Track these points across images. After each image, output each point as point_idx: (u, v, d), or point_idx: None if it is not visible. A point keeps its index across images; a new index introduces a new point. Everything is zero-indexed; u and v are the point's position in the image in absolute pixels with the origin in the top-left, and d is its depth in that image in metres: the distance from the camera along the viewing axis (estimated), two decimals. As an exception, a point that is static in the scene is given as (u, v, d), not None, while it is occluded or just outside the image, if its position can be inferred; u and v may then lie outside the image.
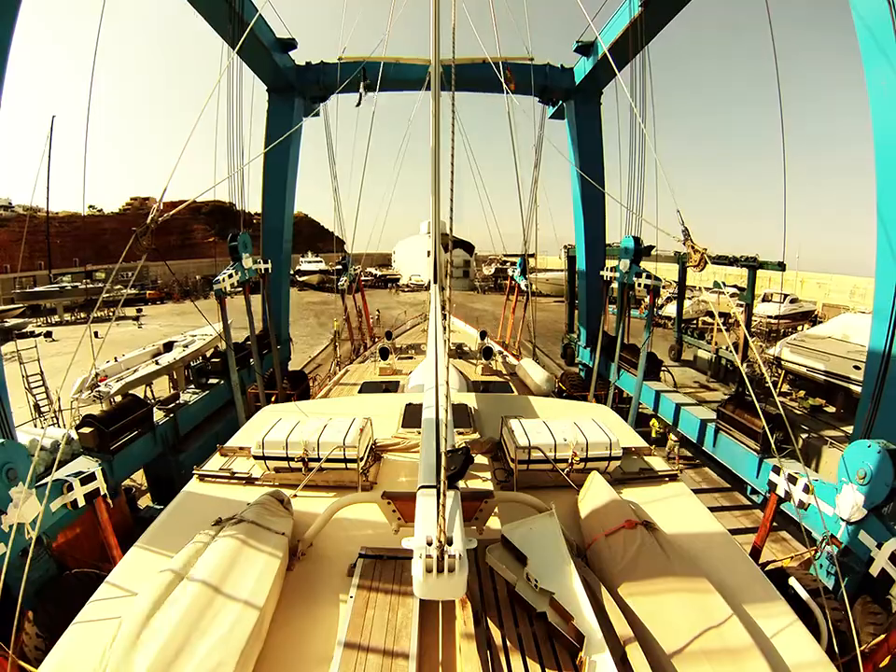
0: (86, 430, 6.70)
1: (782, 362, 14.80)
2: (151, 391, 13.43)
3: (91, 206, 53.46)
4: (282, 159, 13.64)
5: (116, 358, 13.07)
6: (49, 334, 26.32)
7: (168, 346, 14.71)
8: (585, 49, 12.57)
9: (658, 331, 17.65)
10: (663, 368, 12.46)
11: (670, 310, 25.64)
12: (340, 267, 16.11)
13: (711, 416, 8.29)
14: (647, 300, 10.94)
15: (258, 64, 11.95)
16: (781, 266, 17.54)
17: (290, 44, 12.73)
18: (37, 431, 7.57)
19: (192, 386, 10.85)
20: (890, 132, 5.21)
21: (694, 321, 27.65)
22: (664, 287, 27.21)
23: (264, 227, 14.28)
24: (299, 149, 14.42)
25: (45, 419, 11.31)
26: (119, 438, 7.19)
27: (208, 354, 16.10)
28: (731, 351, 16.08)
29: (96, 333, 10.27)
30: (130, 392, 10.71)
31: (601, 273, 11.34)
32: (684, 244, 3.67)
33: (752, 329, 15.75)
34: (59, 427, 10.98)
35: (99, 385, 11.22)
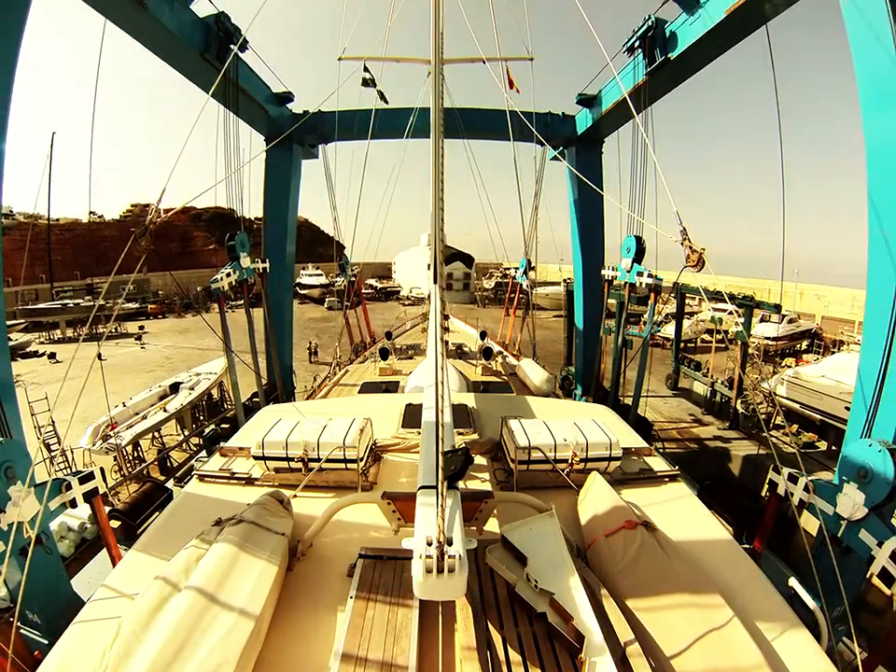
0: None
1: (776, 398, 14.94)
2: (160, 436, 13.49)
3: (91, 213, 53.61)
4: (282, 198, 13.67)
5: (124, 403, 13.30)
6: (52, 355, 25.72)
7: (174, 387, 14.88)
8: (587, 101, 12.70)
9: (656, 352, 17.62)
10: (653, 431, 12.46)
11: (669, 330, 25.54)
12: (339, 273, 16.06)
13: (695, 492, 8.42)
14: (645, 316, 10.90)
15: (254, 120, 11.97)
16: (777, 308, 17.99)
17: (287, 97, 12.69)
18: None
19: (204, 453, 10.95)
20: (883, 137, 5.20)
21: (693, 342, 27.59)
22: (664, 303, 27.03)
23: (266, 251, 13.90)
24: (299, 186, 14.41)
25: (59, 470, 11.23)
26: (142, 525, 7.25)
27: (215, 396, 16.50)
28: (726, 384, 16.28)
29: (99, 355, 10.10)
30: (150, 478, 10.80)
31: (602, 272, 11.32)
32: (682, 244, 3.68)
33: (749, 352, 15.90)
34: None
35: (110, 436, 11.32)
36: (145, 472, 12.09)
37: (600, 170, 14.36)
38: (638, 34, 9.56)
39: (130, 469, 11.70)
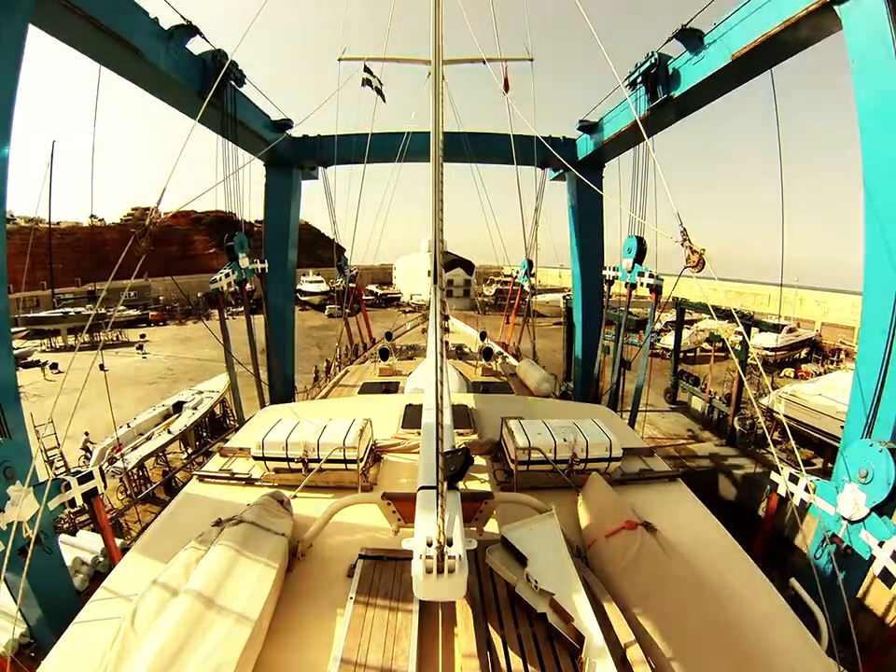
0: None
1: (774, 414, 15.01)
2: (164, 454, 13.44)
3: (92, 216, 53.72)
4: (283, 218, 13.64)
5: (128, 424, 13.34)
6: (54, 366, 25.46)
7: (177, 406, 14.89)
8: (588, 127, 12.67)
9: (655, 363, 17.50)
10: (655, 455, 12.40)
11: (669, 340, 25.30)
12: (338, 275, 16.00)
13: None
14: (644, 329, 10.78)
15: (253, 148, 11.80)
16: (776, 328, 17.74)
17: (286, 125, 12.51)
18: (74, 540, 7.97)
19: None
20: (881, 139, 5.17)
21: (692, 351, 27.48)
22: (663, 312, 26.98)
23: (266, 255, 13.39)
24: (299, 207, 14.36)
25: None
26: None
27: (217, 412, 16.47)
28: (723, 400, 16.32)
29: (102, 366, 9.86)
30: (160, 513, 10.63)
31: (603, 272, 11.32)
32: (682, 244, 3.69)
33: (750, 361, 15.82)
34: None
35: (116, 458, 11.33)
36: (151, 494, 12.08)
37: (600, 194, 14.35)
38: (641, 69, 9.37)
39: (136, 492, 11.72)
